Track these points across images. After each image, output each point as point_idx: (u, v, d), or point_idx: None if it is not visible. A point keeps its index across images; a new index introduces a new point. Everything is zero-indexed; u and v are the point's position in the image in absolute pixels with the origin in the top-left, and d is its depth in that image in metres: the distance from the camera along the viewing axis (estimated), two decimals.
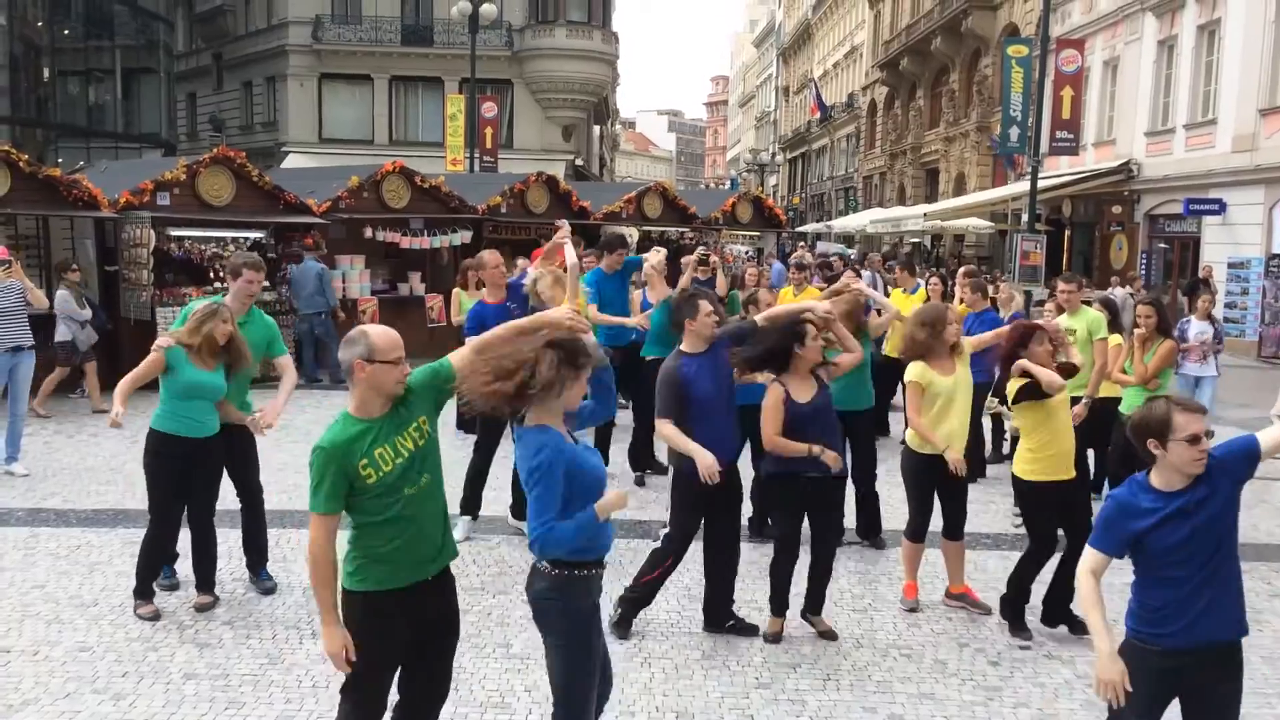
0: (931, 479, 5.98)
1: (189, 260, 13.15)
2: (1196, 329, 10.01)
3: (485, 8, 24.76)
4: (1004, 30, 31.91)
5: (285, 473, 8.76)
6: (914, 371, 5.92)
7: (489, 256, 7.76)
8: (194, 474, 5.70)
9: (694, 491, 5.33)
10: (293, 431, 10.45)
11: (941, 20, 35.85)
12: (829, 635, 5.58)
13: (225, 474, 6.05)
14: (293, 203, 13.63)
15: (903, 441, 6.22)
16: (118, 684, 4.86)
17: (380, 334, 3.45)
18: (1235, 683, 3.55)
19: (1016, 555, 6.99)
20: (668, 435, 5.38)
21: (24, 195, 11.63)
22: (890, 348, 9.31)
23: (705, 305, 5.45)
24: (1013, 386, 5.70)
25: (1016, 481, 5.82)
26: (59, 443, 9.81)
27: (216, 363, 5.61)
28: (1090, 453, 7.22)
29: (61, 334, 11.06)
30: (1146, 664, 3.48)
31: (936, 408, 5.87)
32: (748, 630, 5.60)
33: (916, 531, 6.09)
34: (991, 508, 8.17)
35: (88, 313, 11.28)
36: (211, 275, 13.48)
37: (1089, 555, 3.61)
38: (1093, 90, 26.05)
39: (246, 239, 13.46)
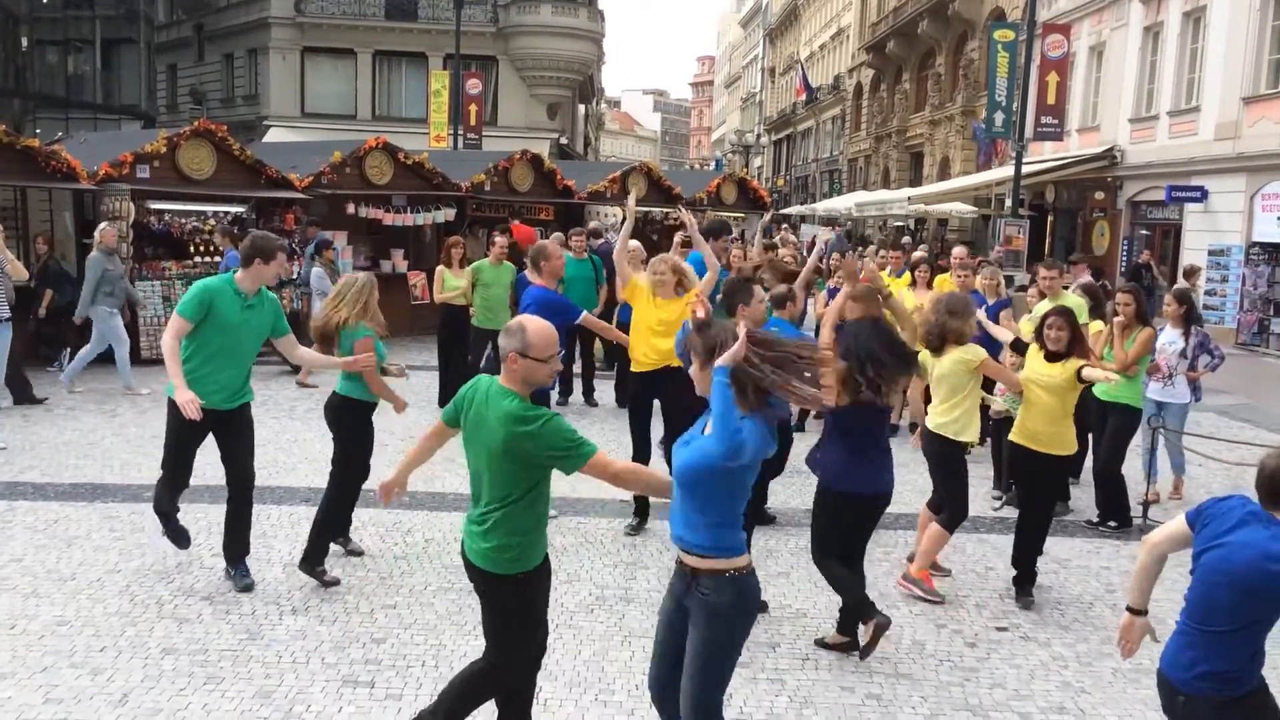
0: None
1: (169, 233, 13.06)
2: (1164, 339, 8.03)
3: None
4: (990, 14, 31.90)
5: (265, 449, 8.72)
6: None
7: (553, 248, 7.16)
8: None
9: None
10: (273, 408, 10.42)
11: (928, 3, 35.82)
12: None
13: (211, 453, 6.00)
14: (274, 177, 13.50)
15: (925, 427, 6.22)
16: (95, 658, 4.84)
17: (537, 331, 3.58)
18: None
19: (994, 538, 7.09)
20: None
21: (1, 166, 11.50)
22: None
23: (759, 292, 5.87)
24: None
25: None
26: (37, 416, 9.72)
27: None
28: None
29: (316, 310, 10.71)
30: None
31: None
32: None
33: (956, 519, 6.08)
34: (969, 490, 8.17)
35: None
36: (191, 249, 13.38)
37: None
38: (1078, 76, 26.10)
39: (227, 213, 13.37)
